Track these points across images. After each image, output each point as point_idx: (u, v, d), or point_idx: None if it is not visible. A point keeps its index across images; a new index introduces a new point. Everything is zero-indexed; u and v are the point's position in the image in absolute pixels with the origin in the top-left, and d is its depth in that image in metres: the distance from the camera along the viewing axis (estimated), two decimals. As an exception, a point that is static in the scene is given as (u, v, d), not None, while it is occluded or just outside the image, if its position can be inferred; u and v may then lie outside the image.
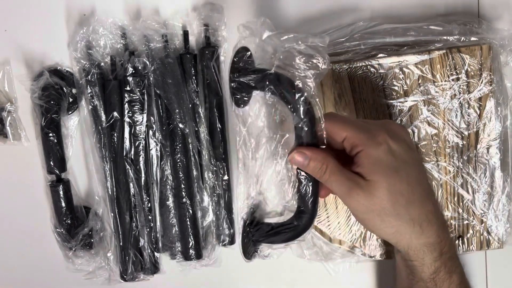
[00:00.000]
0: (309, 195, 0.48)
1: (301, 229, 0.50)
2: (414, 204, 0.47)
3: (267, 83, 0.47)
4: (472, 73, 0.56)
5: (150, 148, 0.57)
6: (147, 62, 0.55)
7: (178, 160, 0.56)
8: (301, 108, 0.46)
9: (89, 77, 0.56)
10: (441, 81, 0.56)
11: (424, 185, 0.48)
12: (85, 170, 0.60)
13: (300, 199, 0.49)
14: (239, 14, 0.58)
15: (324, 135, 0.46)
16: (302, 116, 0.46)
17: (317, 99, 0.46)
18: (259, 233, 0.51)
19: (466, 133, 0.57)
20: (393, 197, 0.46)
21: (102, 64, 0.57)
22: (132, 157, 0.56)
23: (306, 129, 0.46)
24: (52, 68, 0.58)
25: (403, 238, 0.48)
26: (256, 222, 0.52)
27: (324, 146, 0.46)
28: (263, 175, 0.51)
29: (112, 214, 0.57)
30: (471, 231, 0.58)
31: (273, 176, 0.51)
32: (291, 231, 0.50)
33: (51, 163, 0.57)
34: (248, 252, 0.52)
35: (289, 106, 0.46)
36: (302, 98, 0.45)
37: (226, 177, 0.58)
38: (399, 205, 0.46)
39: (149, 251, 0.58)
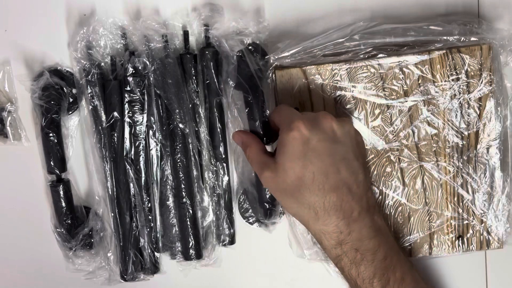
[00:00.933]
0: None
1: (249, 213, 0.58)
2: (310, 191, 0.48)
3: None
4: (472, 73, 0.56)
5: (150, 148, 0.57)
6: (147, 62, 0.55)
7: (178, 160, 0.56)
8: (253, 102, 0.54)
9: (89, 77, 0.56)
10: (441, 81, 0.56)
11: (332, 177, 0.48)
12: (85, 170, 0.60)
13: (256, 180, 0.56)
14: (239, 14, 0.58)
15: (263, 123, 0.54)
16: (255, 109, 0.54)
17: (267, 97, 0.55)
18: (248, 199, 0.59)
19: (466, 133, 0.57)
20: (293, 180, 0.48)
21: (102, 64, 0.57)
22: (132, 157, 0.56)
23: (252, 116, 0.54)
24: (52, 68, 0.58)
25: (302, 219, 0.51)
26: (245, 192, 0.59)
27: (261, 132, 0.54)
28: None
29: (112, 214, 0.57)
30: (471, 231, 0.58)
31: None
32: (252, 213, 0.59)
33: (51, 163, 0.57)
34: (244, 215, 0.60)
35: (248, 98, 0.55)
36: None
37: (226, 177, 0.58)
38: (295, 188, 0.49)
39: (149, 251, 0.58)
